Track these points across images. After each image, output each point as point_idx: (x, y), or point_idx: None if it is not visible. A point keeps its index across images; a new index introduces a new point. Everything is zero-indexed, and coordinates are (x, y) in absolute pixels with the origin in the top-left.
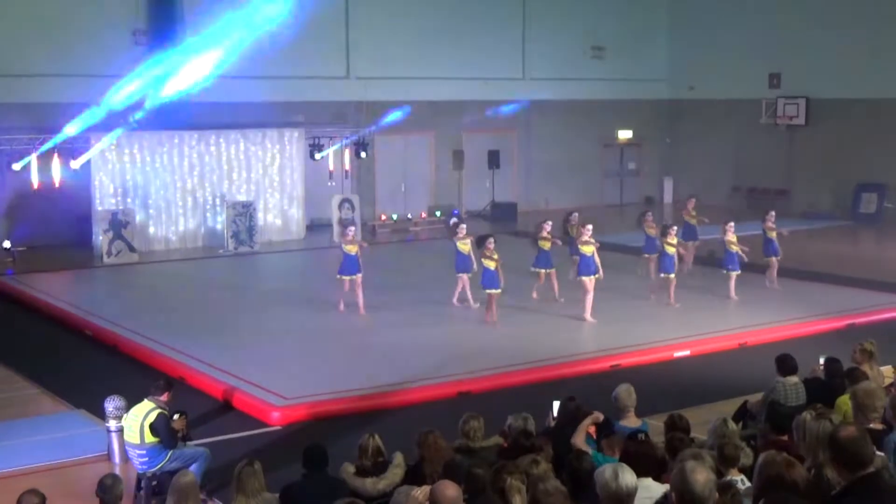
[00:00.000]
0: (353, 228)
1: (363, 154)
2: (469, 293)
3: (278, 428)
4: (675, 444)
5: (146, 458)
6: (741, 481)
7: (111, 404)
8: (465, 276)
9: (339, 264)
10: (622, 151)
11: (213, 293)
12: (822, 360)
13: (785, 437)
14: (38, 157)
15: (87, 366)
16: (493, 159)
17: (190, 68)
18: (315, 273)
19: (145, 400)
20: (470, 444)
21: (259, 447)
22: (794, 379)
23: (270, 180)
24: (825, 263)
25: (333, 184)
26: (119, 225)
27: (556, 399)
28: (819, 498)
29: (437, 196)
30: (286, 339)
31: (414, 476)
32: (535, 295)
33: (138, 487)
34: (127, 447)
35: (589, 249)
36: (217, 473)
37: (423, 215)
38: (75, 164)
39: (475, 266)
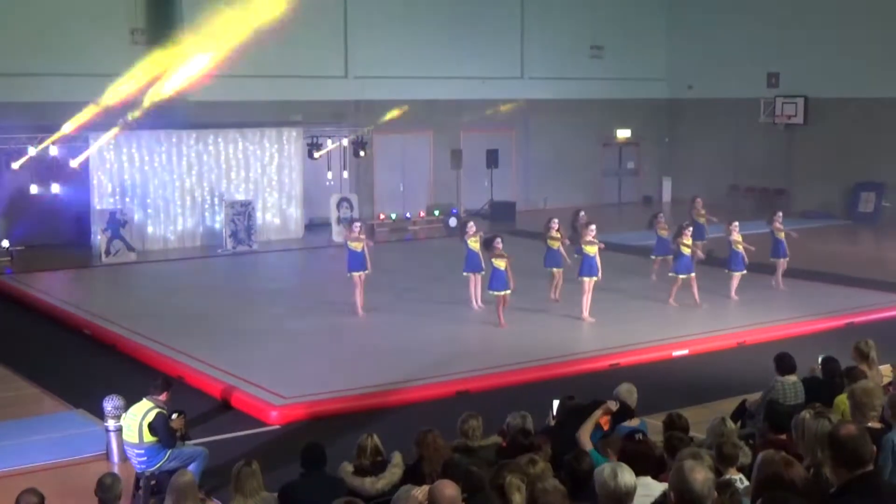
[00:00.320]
0: (358, 225)
1: (362, 153)
2: (478, 293)
3: (277, 427)
4: (674, 443)
5: (145, 458)
6: (740, 480)
7: (110, 404)
8: (473, 276)
9: (345, 263)
10: (621, 151)
11: (212, 292)
12: (820, 360)
13: (783, 436)
14: (37, 156)
15: (85, 365)
16: (492, 158)
17: (188, 67)
18: (314, 272)
19: (144, 399)
20: (469, 443)
21: (257, 446)
22: (792, 378)
23: (269, 179)
24: (824, 262)
25: (332, 183)
26: (117, 224)
27: (556, 398)
28: (818, 496)
29: (436, 195)
30: (285, 338)
31: (412, 475)
32: (552, 296)
33: (137, 487)
34: (125, 446)
35: (592, 250)
36: (215, 473)
37: (422, 214)
38: (74, 163)
39: (485, 265)
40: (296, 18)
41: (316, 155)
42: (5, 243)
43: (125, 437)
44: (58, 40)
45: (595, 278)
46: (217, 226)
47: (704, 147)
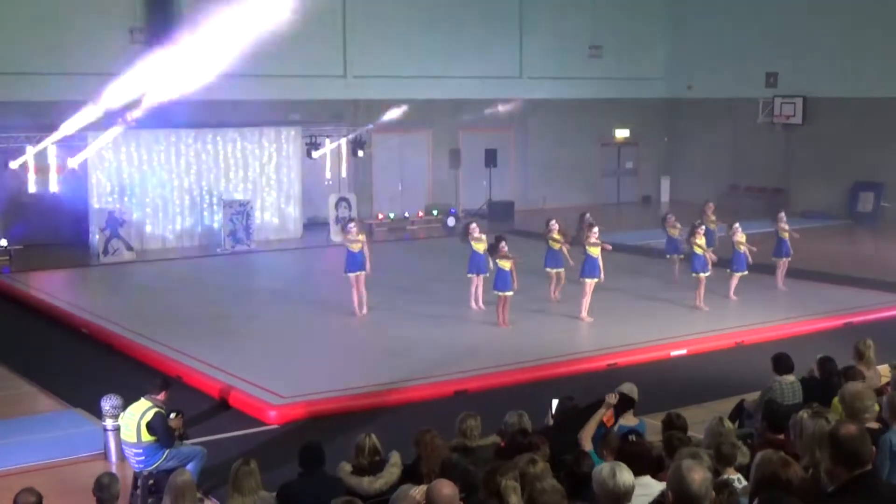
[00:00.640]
0: (353, 225)
1: (360, 152)
2: (480, 294)
3: (275, 427)
4: (673, 442)
5: (143, 457)
6: (738, 480)
7: (108, 403)
8: (476, 277)
9: (343, 263)
10: (619, 150)
11: (210, 292)
12: (817, 360)
13: (781, 436)
14: (35, 156)
15: (83, 364)
16: (491, 158)
17: (187, 67)
18: (312, 271)
19: (142, 399)
20: (467, 442)
21: (256, 446)
22: (790, 378)
23: (267, 179)
24: (822, 262)
25: (330, 182)
26: (116, 223)
27: (554, 398)
28: (815, 496)
29: (435, 195)
30: (283, 337)
31: (411, 475)
32: (552, 296)
33: (135, 486)
34: (123, 446)
35: (595, 251)
36: (214, 472)
37: (420, 214)
38: (72, 162)
39: (491, 265)
40: (295, 18)
41: (314, 154)
42: (4, 242)
43: (123, 436)
44: (57, 39)
45: (597, 279)
46: (215, 225)
47: (703, 147)
